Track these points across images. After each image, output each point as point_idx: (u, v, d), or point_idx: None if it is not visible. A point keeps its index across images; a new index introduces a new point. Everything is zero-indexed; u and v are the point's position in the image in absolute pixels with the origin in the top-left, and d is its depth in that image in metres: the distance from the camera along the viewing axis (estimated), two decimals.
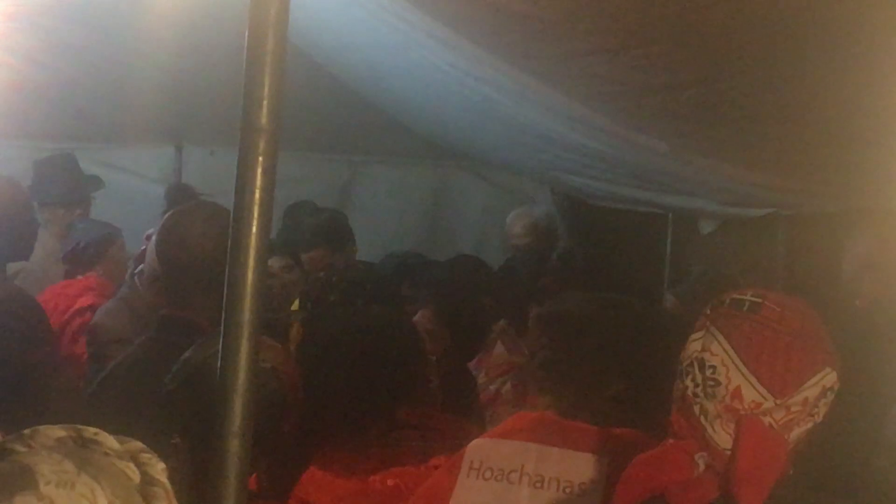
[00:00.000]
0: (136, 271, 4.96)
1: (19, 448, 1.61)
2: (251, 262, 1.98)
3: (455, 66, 4.86)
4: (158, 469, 1.68)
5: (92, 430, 1.67)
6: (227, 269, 1.99)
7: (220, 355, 2.00)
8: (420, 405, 3.36)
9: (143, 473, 1.66)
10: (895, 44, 2.84)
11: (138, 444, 1.71)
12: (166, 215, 3.83)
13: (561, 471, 2.86)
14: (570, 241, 7.78)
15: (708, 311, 2.46)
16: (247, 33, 1.98)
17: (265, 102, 1.96)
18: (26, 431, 1.64)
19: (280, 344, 3.13)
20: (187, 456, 2.66)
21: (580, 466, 2.85)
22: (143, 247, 5.31)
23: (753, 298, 2.41)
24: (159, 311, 3.61)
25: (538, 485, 2.86)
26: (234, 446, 1.98)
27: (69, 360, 5.13)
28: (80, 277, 5.76)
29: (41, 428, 1.65)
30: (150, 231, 5.09)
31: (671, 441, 2.45)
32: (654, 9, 3.03)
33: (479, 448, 2.97)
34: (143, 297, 4.60)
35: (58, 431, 1.65)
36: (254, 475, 2.75)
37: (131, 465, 1.66)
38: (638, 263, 7.24)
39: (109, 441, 1.67)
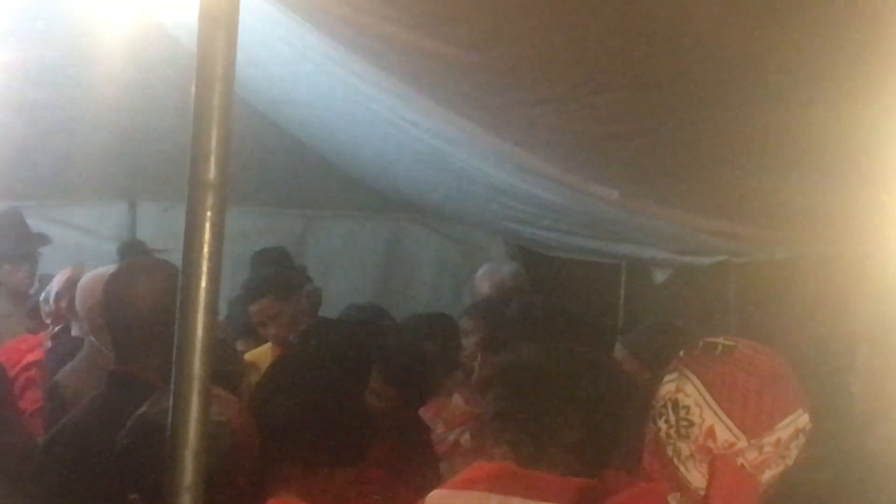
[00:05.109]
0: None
1: None
2: (200, 317, 1.97)
3: (405, 118, 4.88)
4: None
5: None
6: (176, 324, 1.98)
7: (170, 410, 1.98)
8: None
9: None
10: (842, 93, 2.89)
11: None
12: (110, 272, 3.82)
13: None
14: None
15: (681, 355, 2.48)
16: (193, 89, 1.98)
17: (212, 157, 1.96)
18: None
19: (232, 395, 3.12)
20: None
21: None
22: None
23: (726, 343, 2.44)
24: (108, 368, 3.59)
25: None
26: (186, 501, 1.96)
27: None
28: (40, 333, 5.70)
29: None
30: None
31: (643, 484, 2.46)
32: (600, 59, 3.06)
33: (438, 499, 2.95)
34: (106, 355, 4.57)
35: None
36: None
37: None
38: (592, 313, 7.25)
39: None
